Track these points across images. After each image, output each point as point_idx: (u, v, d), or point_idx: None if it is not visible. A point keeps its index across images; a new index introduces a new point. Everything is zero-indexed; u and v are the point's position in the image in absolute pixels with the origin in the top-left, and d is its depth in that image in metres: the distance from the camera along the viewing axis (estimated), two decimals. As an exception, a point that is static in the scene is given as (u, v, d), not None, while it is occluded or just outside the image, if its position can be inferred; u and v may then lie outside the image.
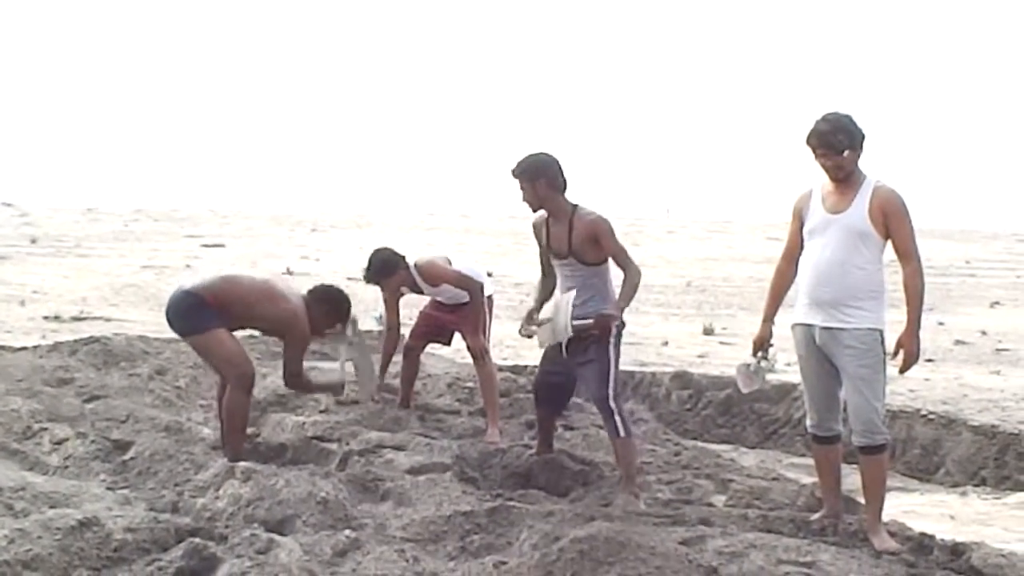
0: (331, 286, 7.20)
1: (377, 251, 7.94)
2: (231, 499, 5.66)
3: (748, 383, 6.06)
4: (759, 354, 5.99)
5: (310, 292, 7.00)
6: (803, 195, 5.78)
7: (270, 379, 8.97)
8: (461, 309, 7.92)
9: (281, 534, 5.18)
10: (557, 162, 6.23)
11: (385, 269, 7.83)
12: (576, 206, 6.25)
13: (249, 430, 7.27)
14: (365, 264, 7.89)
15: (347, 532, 5.24)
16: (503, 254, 29.16)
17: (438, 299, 8.11)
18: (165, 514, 5.44)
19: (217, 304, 6.62)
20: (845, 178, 5.54)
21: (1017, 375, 11.94)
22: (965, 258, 33.37)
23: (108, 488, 6.03)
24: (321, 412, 8.03)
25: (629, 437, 6.32)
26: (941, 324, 16.23)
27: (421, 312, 8.35)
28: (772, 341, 5.96)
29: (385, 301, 8.17)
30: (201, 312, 6.61)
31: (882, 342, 5.54)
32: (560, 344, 6.26)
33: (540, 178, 6.19)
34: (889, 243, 5.53)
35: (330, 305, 7.01)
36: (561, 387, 6.66)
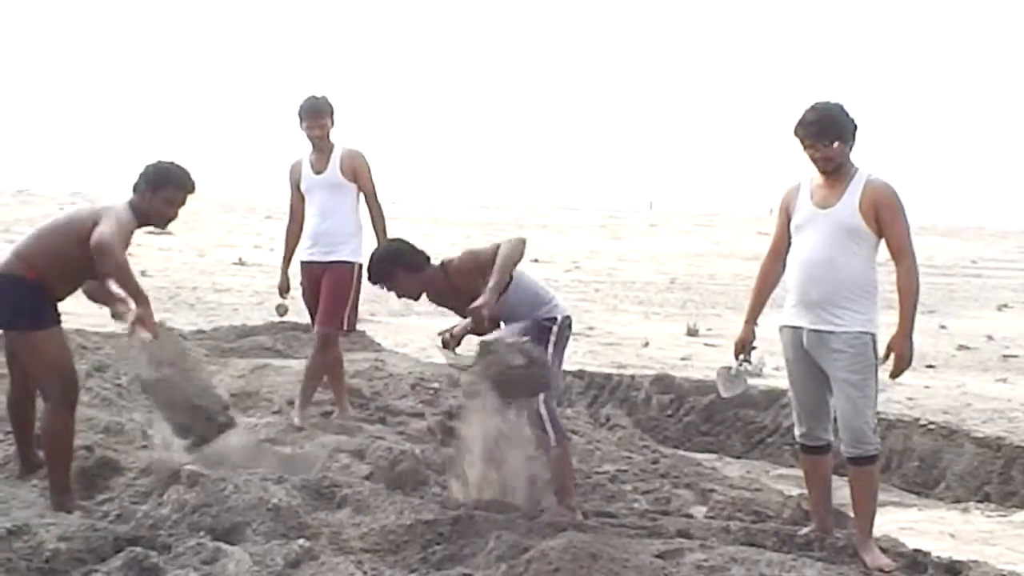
0: (159, 163, 6.25)
1: None
2: (175, 506, 5.63)
3: (729, 388, 6.16)
4: (741, 357, 6.08)
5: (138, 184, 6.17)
6: (791, 189, 5.86)
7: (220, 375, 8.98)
8: (331, 270, 7.81)
9: (229, 543, 5.18)
10: None
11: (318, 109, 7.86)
12: None
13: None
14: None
15: (300, 541, 5.23)
16: (473, 246, 29.10)
17: (309, 252, 7.94)
18: (103, 522, 5.45)
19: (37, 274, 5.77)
20: (835, 171, 5.62)
21: (1025, 383, 12.03)
22: (971, 257, 33.65)
23: (41, 494, 5.97)
24: (274, 413, 8.05)
25: (561, 445, 6.27)
26: (943, 328, 16.37)
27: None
28: (755, 344, 6.05)
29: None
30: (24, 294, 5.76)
31: (874, 346, 5.62)
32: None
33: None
34: (883, 241, 5.62)
35: (169, 180, 6.22)
36: None
